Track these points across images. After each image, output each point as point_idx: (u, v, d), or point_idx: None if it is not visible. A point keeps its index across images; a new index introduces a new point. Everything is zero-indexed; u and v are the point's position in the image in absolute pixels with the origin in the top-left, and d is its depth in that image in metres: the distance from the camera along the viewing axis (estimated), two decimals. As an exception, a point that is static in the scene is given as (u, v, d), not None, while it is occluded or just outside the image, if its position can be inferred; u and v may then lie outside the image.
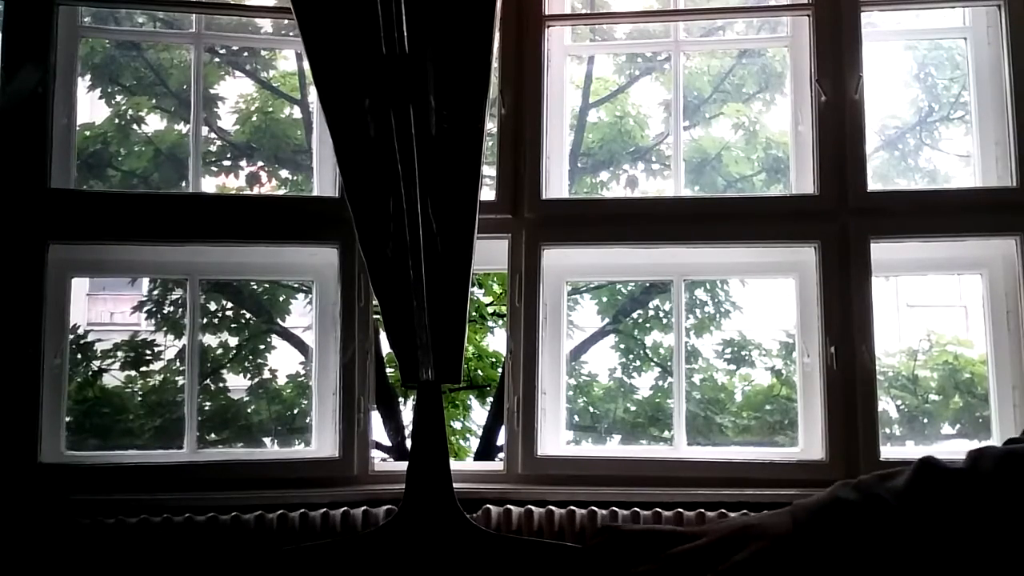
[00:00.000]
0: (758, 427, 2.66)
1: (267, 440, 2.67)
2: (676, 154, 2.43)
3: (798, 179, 2.33)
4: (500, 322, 4.85)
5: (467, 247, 1.90)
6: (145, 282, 3.02)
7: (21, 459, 2.06)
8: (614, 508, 2.03)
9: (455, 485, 1.88)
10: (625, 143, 3.27)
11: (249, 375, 2.82)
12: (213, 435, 2.59)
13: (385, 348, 3.24)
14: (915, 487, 0.93)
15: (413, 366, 1.90)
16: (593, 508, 2.03)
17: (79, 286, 2.43)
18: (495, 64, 2.14)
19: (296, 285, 2.98)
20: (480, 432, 4.85)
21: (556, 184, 2.35)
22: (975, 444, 2.42)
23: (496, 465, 2.26)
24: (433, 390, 1.90)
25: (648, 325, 3.30)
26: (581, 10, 2.66)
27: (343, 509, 2.03)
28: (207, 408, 2.63)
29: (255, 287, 2.90)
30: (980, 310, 2.29)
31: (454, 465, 1.97)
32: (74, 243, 2.20)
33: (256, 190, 3.06)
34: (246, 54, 2.98)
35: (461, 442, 4.96)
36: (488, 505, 2.05)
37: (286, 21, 2.50)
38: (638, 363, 3.22)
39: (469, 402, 5.09)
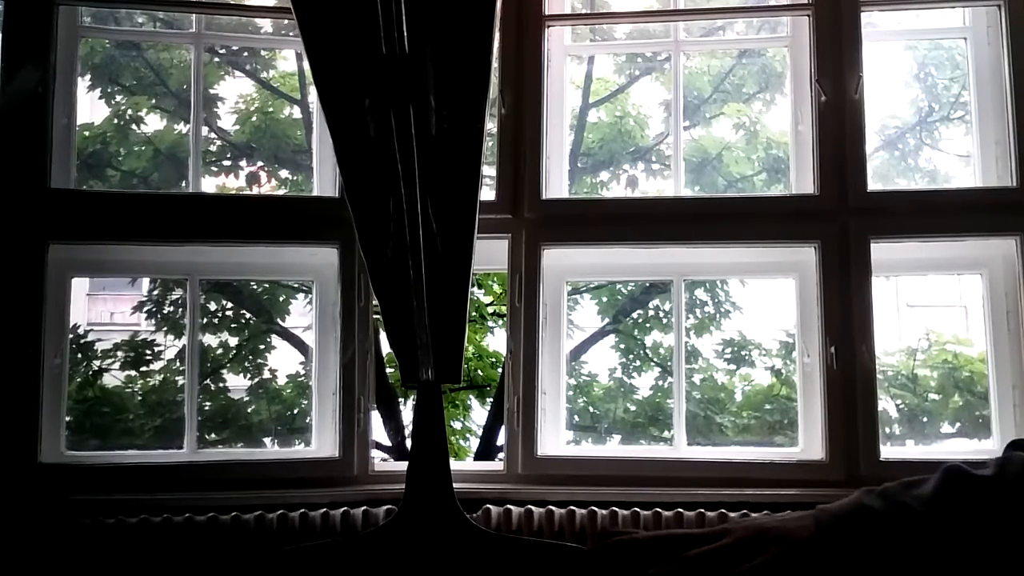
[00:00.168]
0: (758, 427, 2.66)
1: (267, 440, 2.67)
2: (676, 154, 2.43)
3: (798, 179, 2.33)
4: (500, 322, 4.85)
5: (467, 247, 1.90)
6: (145, 282, 3.02)
7: (21, 459, 2.06)
8: (614, 508, 2.03)
9: (455, 485, 1.88)
10: (625, 143, 3.27)
11: (249, 375, 2.82)
12: (213, 435, 2.59)
13: (385, 348, 3.24)
14: (942, 494, 0.92)
15: (413, 366, 1.90)
16: (593, 508, 2.03)
17: (79, 286, 2.43)
18: (495, 64, 2.14)
19: (296, 285, 2.98)
20: (480, 432, 4.85)
21: (556, 184, 2.35)
22: (975, 443, 2.42)
23: (496, 465, 2.26)
24: (433, 390, 1.90)
25: (648, 325, 3.31)
26: (581, 10, 2.66)
27: (343, 509, 2.03)
28: (207, 408, 2.63)
29: (255, 287, 2.90)
30: (980, 310, 2.29)
31: (454, 465, 1.97)
32: (74, 243, 2.20)
33: (256, 190, 3.06)
34: (246, 54, 2.98)
35: (461, 442, 4.97)
36: (488, 505, 2.05)
37: (286, 21, 2.50)
38: (638, 363, 3.22)
39: (469, 402, 5.09)
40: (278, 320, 3.01)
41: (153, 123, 2.84)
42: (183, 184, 2.57)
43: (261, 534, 1.97)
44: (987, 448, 2.28)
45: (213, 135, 2.95)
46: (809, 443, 2.20)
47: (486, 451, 4.44)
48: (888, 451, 2.20)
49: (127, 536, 1.94)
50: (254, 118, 3.05)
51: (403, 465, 2.01)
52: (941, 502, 0.92)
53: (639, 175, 3.25)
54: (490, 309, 5.11)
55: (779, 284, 2.50)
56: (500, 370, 4.55)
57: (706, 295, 3.30)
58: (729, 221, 2.25)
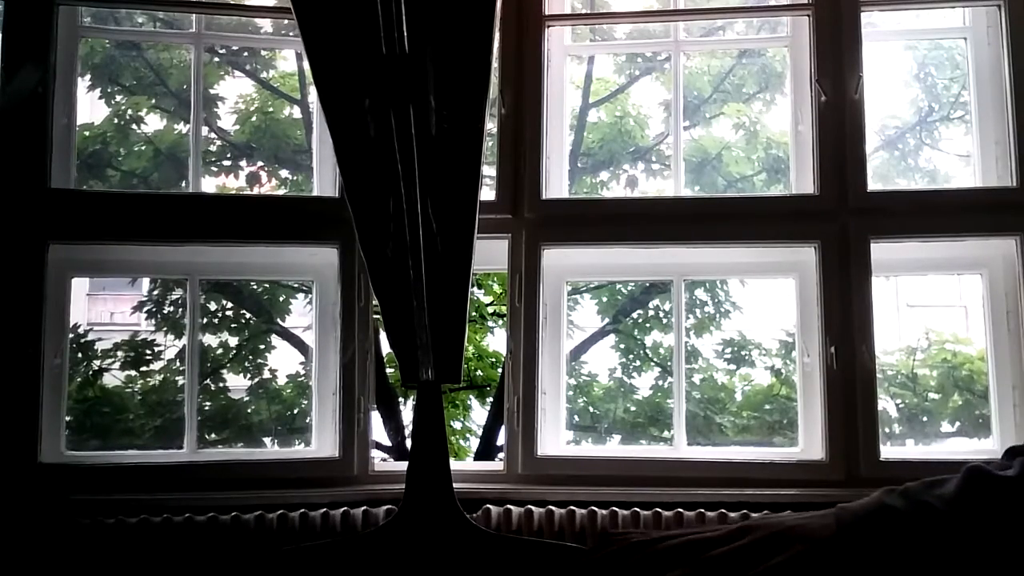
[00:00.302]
0: (758, 427, 2.66)
1: (267, 440, 2.67)
2: (676, 154, 2.43)
3: (798, 179, 2.33)
4: (500, 322, 4.85)
5: (467, 247, 1.90)
6: (145, 282, 3.01)
7: (21, 459, 2.06)
8: (614, 508, 2.03)
9: (455, 485, 1.88)
10: (625, 143, 3.27)
11: (249, 375, 2.81)
12: (213, 435, 2.58)
13: (385, 348, 3.23)
14: (965, 494, 0.92)
15: (413, 366, 1.90)
16: (593, 508, 2.03)
17: (79, 286, 2.44)
18: (495, 64, 2.14)
19: (296, 285, 2.98)
20: (480, 432, 4.84)
21: (556, 184, 2.35)
22: (975, 442, 2.42)
23: (496, 465, 2.26)
24: (433, 390, 1.90)
25: (648, 325, 3.30)
26: (581, 10, 2.66)
27: (343, 509, 2.03)
28: (207, 408, 2.62)
29: (255, 287, 2.90)
30: (980, 310, 2.29)
31: (454, 465, 1.97)
32: (74, 243, 2.20)
33: (256, 190, 3.06)
34: (246, 54, 2.98)
35: (461, 442, 4.96)
36: (488, 505, 2.05)
37: (286, 21, 2.50)
38: (638, 363, 3.22)
39: (469, 402, 5.08)
40: (278, 320, 3.01)
41: (153, 123, 2.83)
42: (183, 184, 2.57)
43: (261, 534, 1.97)
44: (987, 448, 2.28)
45: (213, 135, 2.95)
46: (809, 443, 2.20)
47: (486, 451, 4.43)
48: (888, 451, 2.20)
49: (127, 536, 1.94)
50: (254, 118, 3.04)
51: (403, 465, 2.01)
52: (963, 502, 0.92)
53: (639, 175, 3.25)
54: (490, 309, 5.11)
55: (779, 284, 2.50)
56: (500, 370, 4.54)
57: (706, 295, 3.29)
58: (729, 221, 2.25)
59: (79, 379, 2.58)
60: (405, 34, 1.81)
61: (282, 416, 2.73)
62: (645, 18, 2.68)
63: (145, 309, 3.05)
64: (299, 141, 2.97)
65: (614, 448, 2.79)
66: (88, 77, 2.68)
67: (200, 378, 2.45)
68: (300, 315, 3.01)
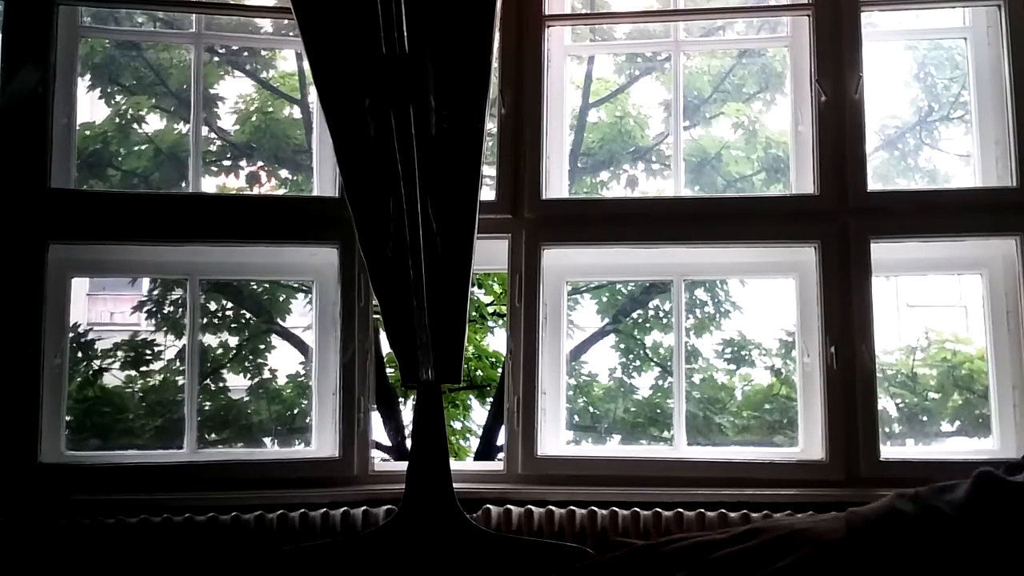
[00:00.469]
0: (758, 427, 2.66)
1: (267, 440, 2.67)
2: (676, 154, 2.43)
3: (798, 179, 2.33)
4: (500, 322, 4.85)
5: (467, 247, 1.90)
6: (145, 282, 3.01)
7: (21, 459, 2.06)
8: (614, 508, 2.03)
9: (455, 485, 1.88)
10: (625, 143, 3.27)
11: (249, 375, 2.81)
12: (213, 435, 2.58)
13: (385, 348, 3.23)
14: (976, 500, 0.91)
15: (413, 366, 1.90)
16: (593, 508, 2.03)
17: (79, 286, 2.44)
18: (495, 64, 2.14)
19: (296, 285, 2.98)
20: (480, 432, 4.84)
21: (556, 184, 2.35)
22: (975, 442, 2.42)
23: (496, 465, 2.26)
24: (433, 390, 1.90)
25: (648, 325, 3.30)
26: (581, 10, 2.66)
27: (343, 509, 2.03)
28: (207, 408, 2.62)
29: (255, 287, 2.90)
30: (980, 310, 2.29)
31: (454, 465, 1.97)
32: (74, 243, 2.20)
33: (256, 190, 3.06)
34: (246, 54, 2.98)
35: (461, 442, 4.96)
36: (488, 505, 2.05)
37: (286, 21, 2.50)
38: (638, 363, 3.22)
39: (469, 402, 5.08)
40: (278, 320, 3.01)
41: (153, 123, 2.83)
42: (183, 184, 2.57)
43: (261, 534, 1.97)
44: (987, 447, 2.28)
45: (213, 135, 2.95)
46: (809, 443, 2.20)
47: (486, 451, 4.43)
48: (888, 450, 2.20)
49: (127, 536, 1.94)
50: (254, 118, 3.04)
51: (403, 465, 2.01)
52: (974, 508, 0.91)
53: (639, 175, 3.25)
54: (490, 309, 5.10)
55: (779, 284, 2.50)
56: (500, 370, 4.54)
57: (706, 295, 3.29)
58: (729, 221, 2.25)
59: (79, 379, 2.58)
60: (405, 34, 1.81)
61: (282, 416, 2.73)
62: (645, 18, 2.68)
63: (145, 309, 3.05)
64: (299, 141, 2.97)
65: (614, 448, 2.79)
66: (88, 77, 2.68)
67: (200, 378, 2.45)
68: (300, 315, 3.01)
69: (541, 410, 2.19)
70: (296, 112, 3.06)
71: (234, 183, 3.07)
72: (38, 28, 2.18)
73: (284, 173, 3.16)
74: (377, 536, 1.89)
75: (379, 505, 2.04)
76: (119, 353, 2.73)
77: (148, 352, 2.75)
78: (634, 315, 3.39)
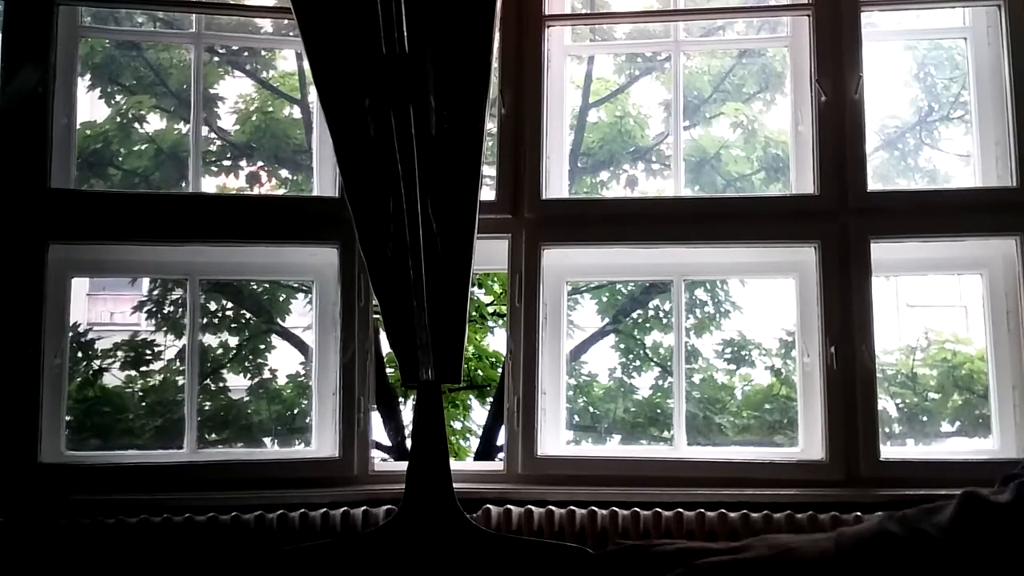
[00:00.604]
0: (758, 427, 2.66)
1: (267, 440, 2.67)
2: (676, 154, 2.43)
3: (798, 179, 2.33)
4: (500, 322, 4.85)
5: (467, 247, 1.90)
6: (145, 282, 3.02)
7: (21, 459, 2.06)
8: (614, 508, 2.02)
9: (455, 485, 1.88)
10: (625, 143, 3.27)
11: (249, 375, 2.82)
12: (213, 435, 2.59)
13: (385, 348, 3.23)
14: (960, 522, 0.92)
15: (413, 366, 1.90)
16: (593, 508, 2.03)
17: (79, 286, 2.43)
18: (495, 64, 2.14)
19: (296, 285, 2.98)
20: (480, 432, 4.84)
21: (556, 184, 2.35)
22: (975, 442, 2.42)
23: (496, 465, 2.26)
24: (433, 390, 1.90)
25: (648, 325, 3.30)
26: (581, 10, 2.66)
27: (343, 509, 2.03)
28: (207, 408, 2.63)
29: (255, 287, 2.90)
30: (980, 310, 2.29)
31: (454, 465, 1.97)
32: (74, 243, 2.20)
33: (256, 190, 3.06)
34: (246, 54, 2.98)
35: (461, 442, 4.96)
36: (488, 505, 2.05)
37: (286, 21, 2.50)
38: (638, 363, 3.22)
39: (469, 402, 5.08)
40: (278, 320, 3.01)
41: (154, 123, 2.84)
42: (183, 184, 2.57)
43: (261, 534, 1.97)
44: (987, 447, 2.28)
45: (213, 135, 2.95)
46: (809, 443, 2.20)
47: (486, 451, 4.43)
48: (888, 451, 2.20)
49: (127, 536, 1.94)
50: (254, 118, 3.04)
51: (403, 465, 2.01)
52: (958, 529, 0.92)
53: (639, 175, 3.25)
54: (490, 309, 5.11)
55: (779, 284, 2.50)
56: (500, 370, 4.54)
57: (706, 295, 3.29)
58: (729, 221, 2.25)
59: (79, 379, 2.58)
60: (405, 34, 1.81)
61: (282, 416, 2.73)
62: (645, 18, 2.68)
63: (145, 309, 3.05)
64: (299, 141, 2.97)
65: (614, 448, 2.80)
66: (88, 77, 2.68)
67: (200, 378, 2.45)
68: (300, 315, 3.01)
69: (541, 410, 2.19)
70: (296, 112, 3.06)
71: (234, 183, 3.07)
72: (38, 28, 2.18)
73: (284, 173, 3.17)
74: (377, 536, 1.89)
75: (379, 505, 2.04)
76: (119, 353, 2.73)
77: (148, 352, 2.76)
78: (634, 315, 3.39)
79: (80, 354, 2.66)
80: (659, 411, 2.82)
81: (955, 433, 2.54)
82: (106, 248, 2.26)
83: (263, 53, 3.00)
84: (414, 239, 1.83)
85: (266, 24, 2.64)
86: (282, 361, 2.89)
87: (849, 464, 2.11)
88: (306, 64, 2.47)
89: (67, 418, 2.24)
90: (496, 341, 5.11)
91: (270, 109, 3.04)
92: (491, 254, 2.24)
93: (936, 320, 2.85)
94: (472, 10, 1.90)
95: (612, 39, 2.81)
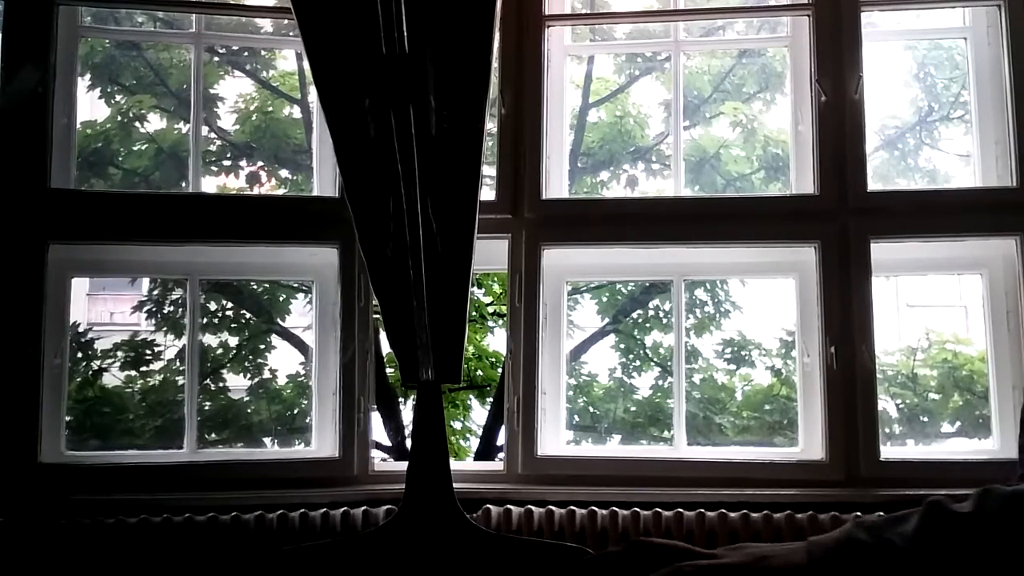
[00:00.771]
0: (758, 427, 2.66)
1: (267, 440, 2.67)
2: (676, 154, 2.43)
3: (798, 179, 2.33)
4: (500, 322, 4.85)
5: (467, 247, 1.90)
6: (145, 282, 3.01)
7: (21, 459, 2.06)
8: (614, 508, 2.03)
9: (455, 485, 1.88)
10: (625, 143, 3.26)
11: (249, 375, 2.81)
12: (213, 435, 2.58)
13: (385, 348, 3.23)
14: (923, 531, 0.94)
15: (413, 366, 1.90)
16: (593, 508, 2.03)
17: (79, 286, 2.43)
18: (495, 64, 2.14)
19: (296, 285, 2.98)
20: (480, 432, 4.84)
21: (556, 184, 2.35)
22: (975, 443, 2.42)
23: (496, 465, 2.26)
24: (433, 390, 1.90)
25: (648, 325, 3.30)
26: (581, 10, 2.66)
27: (343, 509, 2.03)
28: (207, 408, 2.62)
29: (255, 287, 2.90)
30: (980, 310, 2.29)
31: (454, 465, 1.97)
32: (74, 243, 2.20)
33: (256, 190, 3.05)
34: (246, 54, 2.98)
35: (461, 442, 4.96)
36: (488, 505, 2.05)
37: (286, 21, 2.50)
38: (638, 363, 3.21)
39: (469, 402, 5.08)
40: (278, 320, 3.00)
41: (154, 122, 2.83)
42: (183, 184, 2.57)
43: (261, 534, 1.97)
44: (987, 448, 2.28)
45: (213, 135, 2.95)
46: (809, 443, 2.20)
47: (486, 451, 4.43)
48: (888, 451, 2.20)
49: (127, 536, 1.94)
50: (254, 118, 3.04)
51: (403, 465, 2.01)
52: (922, 539, 0.94)
53: (639, 175, 3.24)
54: (490, 309, 5.10)
55: (779, 284, 2.50)
56: (500, 370, 4.54)
57: (706, 295, 3.29)
58: (729, 221, 2.25)
59: (79, 379, 2.58)
60: (405, 34, 1.81)
61: (282, 416, 2.73)
62: (645, 18, 2.68)
63: (145, 309, 3.04)
64: (299, 141, 2.97)
65: (614, 448, 2.79)
66: (88, 77, 2.68)
67: (200, 378, 2.45)
68: (300, 315, 3.01)
69: (541, 410, 2.19)
70: (296, 112, 3.06)
71: (234, 183, 3.07)
72: (38, 28, 2.18)
73: (284, 173, 3.16)
74: (377, 536, 1.89)
75: (379, 505, 2.04)
76: (119, 353, 2.73)
77: (148, 352, 2.75)
78: (634, 315, 3.39)
79: (80, 354, 2.65)
80: (659, 411, 2.82)
81: (955, 433, 2.54)
82: (106, 248, 2.26)
83: (263, 53, 3.00)
84: (414, 239, 1.83)
85: (266, 24, 2.64)
86: (282, 361, 2.89)
87: (849, 464, 2.11)
88: (306, 64, 2.47)
89: (67, 418, 2.24)
90: (496, 341, 5.11)
91: (270, 109, 3.04)
92: (491, 254, 2.24)
93: (936, 320, 2.84)
94: (472, 10, 1.90)
95: (612, 39, 2.81)
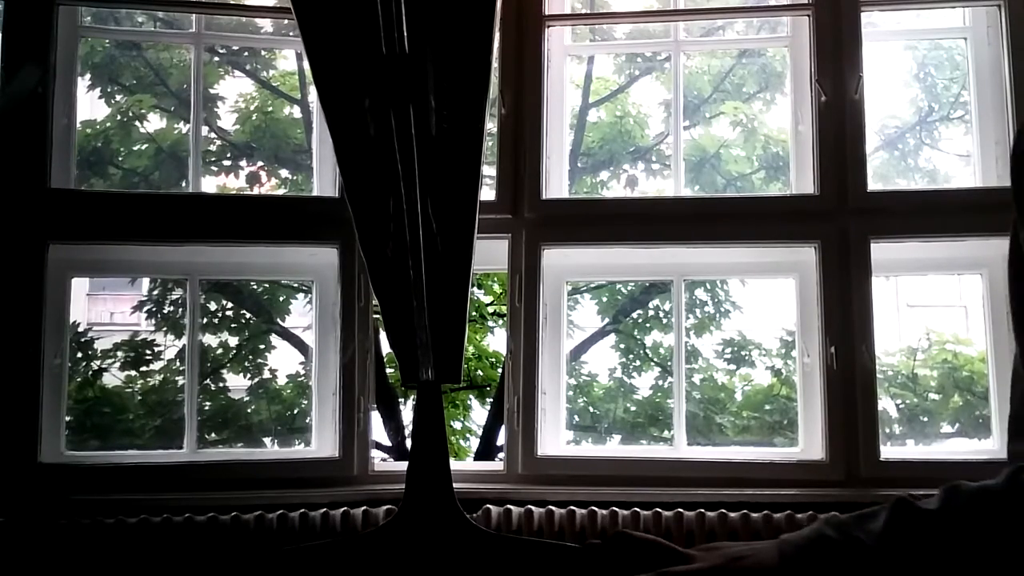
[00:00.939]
0: (758, 427, 2.66)
1: (267, 440, 2.67)
2: (676, 154, 2.43)
3: (798, 179, 2.33)
4: (500, 322, 4.85)
5: (467, 247, 1.90)
6: (145, 282, 3.01)
7: (21, 459, 2.06)
8: (614, 508, 2.03)
9: (455, 485, 1.88)
10: (625, 143, 3.26)
11: (249, 375, 2.81)
12: (213, 435, 2.58)
13: (385, 348, 3.23)
14: (891, 529, 0.96)
15: (413, 366, 1.90)
16: (593, 508, 2.03)
17: (79, 286, 2.43)
18: (495, 64, 2.14)
19: (296, 285, 2.98)
20: (480, 432, 4.84)
21: (556, 184, 2.35)
22: (975, 443, 2.42)
23: (496, 465, 2.26)
24: (433, 390, 1.90)
25: (648, 325, 3.30)
26: (581, 10, 2.66)
27: (343, 509, 2.03)
28: (207, 408, 2.62)
29: (255, 287, 2.90)
30: (980, 310, 2.29)
31: (454, 465, 1.97)
32: (74, 243, 2.20)
33: (256, 190, 3.05)
34: (246, 54, 2.98)
35: (461, 442, 4.96)
36: (488, 505, 2.05)
37: (286, 21, 2.50)
38: (638, 363, 3.21)
39: (469, 402, 5.08)
40: (278, 320, 3.00)
41: (154, 122, 2.83)
42: (183, 184, 2.57)
43: (261, 534, 1.97)
44: (987, 448, 2.28)
45: (213, 135, 2.95)
46: (809, 443, 2.20)
47: (486, 451, 4.43)
48: (888, 451, 2.20)
49: (127, 536, 1.94)
50: (254, 118, 3.04)
51: (403, 465, 2.01)
52: (889, 536, 0.96)
53: (639, 175, 3.24)
54: (490, 309, 5.10)
55: (779, 284, 2.50)
56: (500, 370, 4.54)
57: (706, 295, 3.29)
58: (729, 221, 2.25)
59: (79, 379, 2.58)
60: (405, 34, 1.81)
61: (282, 416, 2.72)
62: (645, 18, 2.68)
63: (145, 309, 3.04)
64: (299, 141, 2.97)
65: (614, 448, 2.79)
66: (88, 77, 2.68)
67: (200, 378, 2.45)
68: (300, 315, 3.00)
69: (541, 410, 2.19)
70: (296, 112, 3.06)
71: (234, 183, 3.06)
72: (38, 28, 2.18)
73: (284, 173, 3.16)
74: (377, 536, 1.89)
75: (379, 505, 2.04)
76: (119, 353, 2.73)
77: (148, 352, 2.75)
78: (634, 315, 3.39)
79: (80, 354, 2.65)
80: (659, 411, 2.82)
81: (955, 434, 2.54)
82: (106, 248, 2.26)
83: (263, 53, 3.00)
84: (414, 239, 1.83)
85: (266, 24, 2.64)
86: (282, 361, 2.89)
87: (849, 464, 2.11)
88: (306, 64, 2.47)
89: (67, 418, 2.24)
90: (496, 341, 5.11)
91: (270, 109, 3.03)
92: (491, 254, 2.24)
93: (936, 320, 2.84)
94: (472, 10, 1.90)
95: (612, 39, 2.81)
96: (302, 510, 2.02)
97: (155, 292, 3.01)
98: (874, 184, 2.27)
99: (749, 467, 2.15)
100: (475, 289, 4.85)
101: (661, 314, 3.25)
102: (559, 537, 1.99)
